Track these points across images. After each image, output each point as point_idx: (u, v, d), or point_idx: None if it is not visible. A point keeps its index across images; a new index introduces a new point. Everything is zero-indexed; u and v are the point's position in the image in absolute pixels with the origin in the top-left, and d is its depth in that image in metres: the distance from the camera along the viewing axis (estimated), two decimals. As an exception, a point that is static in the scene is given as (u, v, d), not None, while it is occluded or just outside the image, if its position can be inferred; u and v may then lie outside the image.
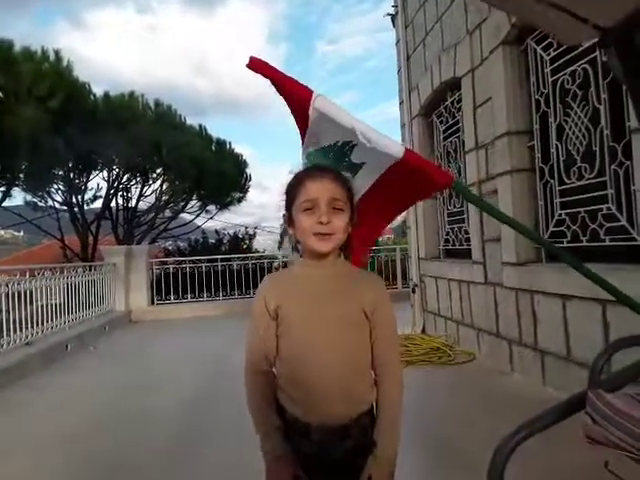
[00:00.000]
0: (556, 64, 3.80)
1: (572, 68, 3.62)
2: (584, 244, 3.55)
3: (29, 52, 11.09)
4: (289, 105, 1.55)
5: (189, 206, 17.18)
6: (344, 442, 1.31)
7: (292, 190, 1.38)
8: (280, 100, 1.54)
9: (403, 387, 1.38)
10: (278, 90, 1.47)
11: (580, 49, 3.47)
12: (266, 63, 1.42)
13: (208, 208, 17.40)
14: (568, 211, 3.74)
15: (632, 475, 1.11)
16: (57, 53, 11.76)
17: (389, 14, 7.39)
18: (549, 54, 3.86)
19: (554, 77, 3.85)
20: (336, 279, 1.38)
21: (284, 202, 1.42)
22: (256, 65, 1.40)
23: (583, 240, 3.56)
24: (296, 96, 1.45)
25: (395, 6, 7.13)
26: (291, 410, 1.34)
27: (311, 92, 1.42)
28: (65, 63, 11.90)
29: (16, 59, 10.59)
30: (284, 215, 1.44)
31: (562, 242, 3.77)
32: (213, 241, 15.51)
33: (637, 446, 1.09)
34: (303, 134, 1.60)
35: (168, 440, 3.28)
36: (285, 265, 10.44)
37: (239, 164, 17.40)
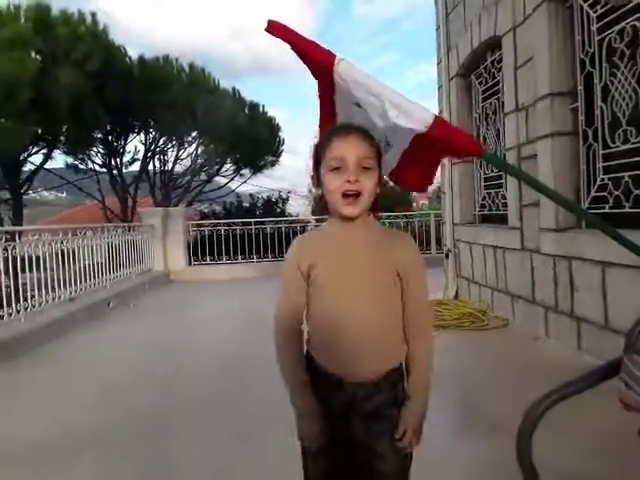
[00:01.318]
0: (603, 22, 3.62)
1: (620, 26, 3.44)
2: (627, 210, 3.45)
3: (66, 15, 11.19)
4: (310, 69, 1.48)
5: (223, 169, 17.36)
6: (375, 395, 1.36)
7: (320, 150, 1.37)
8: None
9: (434, 345, 1.42)
10: (298, 55, 1.40)
11: (629, 5, 3.29)
12: (285, 26, 1.35)
13: (242, 172, 17.54)
14: (611, 176, 3.63)
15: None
16: (93, 16, 11.88)
17: (428, -31, 7.10)
18: (596, 11, 3.68)
19: (601, 35, 3.67)
20: (368, 238, 1.38)
21: (312, 161, 1.42)
22: (275, 29, 1.34)
23: (626, 206, 3.46)
24: (318, 60, 1.39)
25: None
26: (324, 365, 1.39)
27: (334, 56, 1.35)
28: (101, 26, 11.97)
29: (53, 22, 10.70)
30: (312, 176, 1.45)
31: (604, 208, 3.68)
32: (247, 205, 15.65)
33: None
34: (326, 100, 1.54)
35: (207, 392, 3.45)
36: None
37: (272, 127, 17.36)
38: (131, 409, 3.22)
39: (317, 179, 1.39)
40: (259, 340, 4.51)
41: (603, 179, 3.72)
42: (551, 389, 1.35)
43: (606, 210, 3.65)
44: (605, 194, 3.68)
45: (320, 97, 1.57)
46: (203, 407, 3.22)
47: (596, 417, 2.44)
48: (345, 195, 1.30)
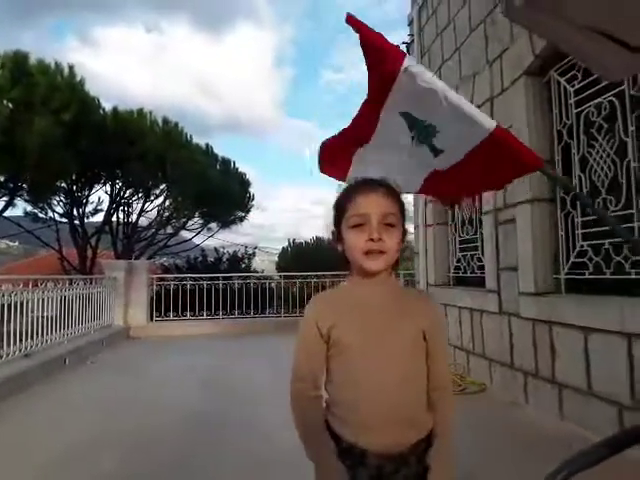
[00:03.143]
0: (581, 96, 3.82)
1: (598, 100, 3.63)
2: (608, 277, 3.50)
3: (44, 65, 11.13)
4: (372, 63, 1.57)
5: (190, 223, 17.14)
6: (401, 469, 1.25)
7: (341, 205, 1.33)
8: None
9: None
10: (366, 49, 1.51)
11: (605, 82, 3.48)
12: (361, 22, 1.49)
13: (210, 226, 17.37)
14: (591, 242, 3.71)
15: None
16: (71, 68, 11.84)
17: (404, 43, 7.46)
18: (573, 86, 3.88)
19: (578, 109, 3.85)
20: (390, 298, 1.33)
21: (333, 217, 1.38)
22: (352, 21, 1.49)
23: (607, 272, 3.51)
24: (386, 55, 1.49)
25: (411, 35, 7.20)
26: (346, 437, 1.27)
27: (404, 54, 1.49)
28: (78, 78, 11.98)
29: (31, 71, 10.63)
30: (333, 231, 1.40)
31: (583, 274, 3.73)
32: (212, 259, 15.40)
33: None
34: (377, 93, 1.63)
35: (172, 453, 3.24)
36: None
37: (243, 183, 17.45)
38: (91, 474, 2.94)
39: (338, 235, 1.35)
40: (222, 398, 4.39)
41: (582, 245, 3.79)
42: (562, 462, 1.26)
43: (586, 276, 3.71)
44: (585, 260, 3.75)
45: (369, 93, 1.66)
46: (168, 470, 2.98)
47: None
48: (367, 253, 1.26)
